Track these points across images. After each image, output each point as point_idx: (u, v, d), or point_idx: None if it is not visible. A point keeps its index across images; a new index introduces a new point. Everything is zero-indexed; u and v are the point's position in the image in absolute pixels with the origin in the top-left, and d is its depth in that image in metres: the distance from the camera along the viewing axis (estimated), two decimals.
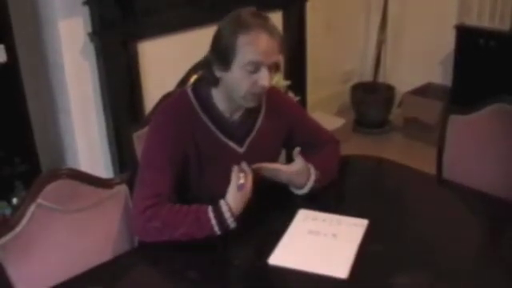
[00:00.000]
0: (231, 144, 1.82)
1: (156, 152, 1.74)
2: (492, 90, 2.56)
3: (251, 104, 1.75)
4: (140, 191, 1.71)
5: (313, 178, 1.85)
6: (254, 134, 1.86)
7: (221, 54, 1.69)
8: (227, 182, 1.74)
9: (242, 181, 1.70)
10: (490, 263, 1.58)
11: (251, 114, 1.86)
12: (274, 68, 1.71)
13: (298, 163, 1.84)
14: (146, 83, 3.00)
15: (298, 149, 1.83)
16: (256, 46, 1.65)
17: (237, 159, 1.81)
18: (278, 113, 1.91)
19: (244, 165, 1.74)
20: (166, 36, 3.02)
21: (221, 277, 1.56)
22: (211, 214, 1.66)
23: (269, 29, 1.67)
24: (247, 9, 1.71)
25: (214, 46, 1.73)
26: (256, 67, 1.67)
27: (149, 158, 1.75)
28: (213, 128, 1.79)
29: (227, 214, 1.66)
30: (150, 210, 1.66)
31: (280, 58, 1.72)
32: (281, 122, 1.92)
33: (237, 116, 1.83)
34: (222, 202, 1.68)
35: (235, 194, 1.69)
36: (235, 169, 1.71)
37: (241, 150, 1.84)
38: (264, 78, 1.67)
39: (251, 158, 1.82)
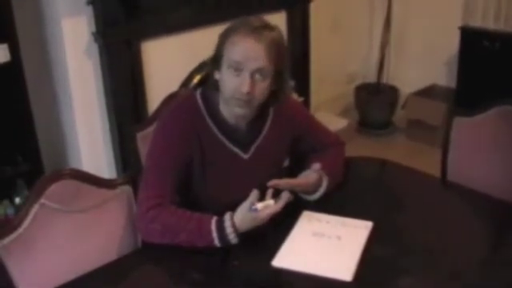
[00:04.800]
0: (236, 150, 1.81)
1: (161, 153, 1.74)
2: (497, 92, 2.56)
3: (237, 110, 1.71)
4: (144, 192, 1.70)
5: (325, 184, 1.84)
6: (259, 140, 1.85)
7: (215, 54, 1.72)
8: (230, 187, 1.74)
9: (257, 206, 1.61)
10: (494, 266, 1.58)
11: (257, 122, 1.84)
12: (261, 75, 1.66)
13: (314, 175, 1.82)
14: (149, 83, 3.00)
15: (318, 165, 1.81)
16: (239, 47, 1.65)
17: (241, 165, 1.81)
18: (284, 119, 1.89)
19: (285, 196, 1.66)
20: (169, 36, 3.02)
21: (224, 279, 1.56)
22: (213, 226, 1.62)
23: (258, 33, 1.65)
24: (255, 17, 1.71)
25: (214, 50, 1.74)
26: (237, 68, 1.65)
27: (153, 159, 1.75)
28: (218, 133, 1.78)
29: (229, 230, 1.61)
30: (153, 211, 1.65)
31: (268, 66, 1.66)
32: (287, 129, 1.91)
33: (243, 123, 1.81)
34: (226, 217, 1.63)
35: (244, 214, 1.62)
36: (254, 191, 1.63)
37: (246, 156, 1.83)
38: (243, 83, 1.64)
39: (255, 163, 1.82)
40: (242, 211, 1.62)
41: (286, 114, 1.90)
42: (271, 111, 1.87)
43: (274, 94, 1.77)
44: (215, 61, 1.72)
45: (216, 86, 1.74)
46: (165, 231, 1.64)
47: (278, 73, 1.72)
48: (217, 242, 1.61)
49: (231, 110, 1.73)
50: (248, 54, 1.64)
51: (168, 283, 1.62)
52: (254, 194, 1.63)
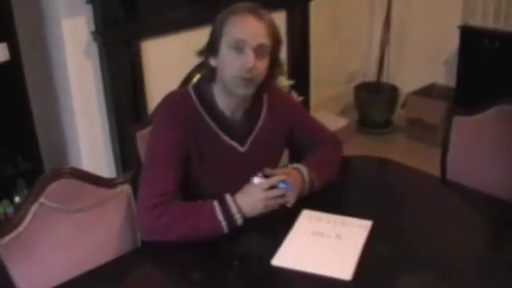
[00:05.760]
0: (233, 143, 1.82)
1: (160, 150, 1.74)
2: (496, 91, 2.56)
3: (240, 91, 1.73)
4: (146, 190, 1.69)
5: (307, 179, 1.83)
6: (255, 133, 1.86)
7: (211, 40, 1.74)
8: (228, 180, 1.74)
9: (254, 179, 1.70)
10: (493, 265, 1.58)
11: (253, 113, 1.85)
12: (262, 53, 1.70)
13: (289, 169, 1.84)
14: (149, 82, 3.00)
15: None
16: (241, 25, 1.69)
17: (238, 159, 1.82)
18: (279, 112, 1.91)
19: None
20: (169, 35, 3.02)
21: (223, 277, 1.56)
22: (216, 205, 1.66)
23: (256, 12, 1.70)
24: (243, 3, 1.75)
25: (208, 38, 1.77)
26: (240, 46, 1.68)
27: (153, 157, 1.75)
28: (214, 127, 1.79)
29: (230, 201, 1.66)
30: (159, 207, 1.65)
31: (268, 44, 1.71)
32: (282, 122, 1.92)
33: (239, 115, 1.82)
34: (226, 195, 1.68)
35: (245, 189, 1.70)
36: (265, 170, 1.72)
37: (242, 149, 1.84)
38: (247, 60, 1.67)
39: (253, 157, 1.83)
40: (242, 189, 1.70)
41: (280, 105, 1.93)
42: (265, 101, 1.88)
43: (267, 79, 1.79)
44: (211, 47, 1.74)
45: (212, 74, 1.76)
46: (172, 224, 1.63)
47: (274, 56, 1.76)
48: (221, 219, 1.64)
49: (233, 94, 1.74)
50: (250, 30, 1.68)
51: (168, 282, 1.62)
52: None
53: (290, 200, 1.74)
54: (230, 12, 1.72)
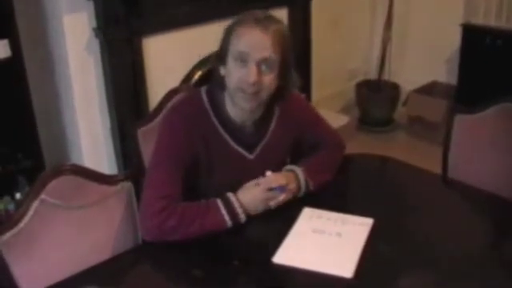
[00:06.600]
0: (241, 151, 1.81)
1: (168, 151, 1.72)
2: (498, 89, 2.55)
3: (243, 104, 1.70)
4: (151, 191, 1.68)
5: (302, 178, 1.83)
6: (265, 141, 1.84)
7: (220, 48, 1.71)
8: (234, 184, 1.74)
9: (260, 180, 1.73)
10: (495, 264, 1.57)
11: (264, 121, 1.83)
12: (267, 66, 1.66)
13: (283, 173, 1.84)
14: (150, 79, 3.00)
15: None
16: (245, 37, 1.65)
17: (246, 165, 1.81)
18: (290, 120, 1.89)
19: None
20: (170, 32, 3.02)
21: (224, 275, 1.55)
22: (219, 201, 1.68)
23: (261, 24, 1.65)
24: (259, 10, 1.72)
25: (218, 46, 1.74)
26: (244, 59, 1.64)
27: (160, 159, 1.73)
28: (223, 133, 1.78)
29: (233, 198, 1.69)
30: (166, 211, 1.64)
31: (274, 57, 1.67)
32: (292, 128, 1.90)
33: (248, 124, 1.80)
34: (228, 193, 1.71)
35: (247, 187, 1.73)
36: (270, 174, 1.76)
37: (250, 156, 1.82)
38: (249, 73, 1.64)
39: (260, 163, 1.81)
40: (243, 187, 1.74)
41: (291, 113, 1.90)
42: (277, 110, 1.86)
43: (280, 91, 1.76)
44: (220, 56, 1.71)
45: (221, 82, 1.74)
46: (179, 226, 1.63)
47: (284, 67, 1.72)
48: (227, 219, 1.66)
49: (237, 105, 1.72)
50: (254, 43, 1.64)
51: (168, 280, 1.62)
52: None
53: (279, 201, 1.76)
54: (237, 22, 1.68)
